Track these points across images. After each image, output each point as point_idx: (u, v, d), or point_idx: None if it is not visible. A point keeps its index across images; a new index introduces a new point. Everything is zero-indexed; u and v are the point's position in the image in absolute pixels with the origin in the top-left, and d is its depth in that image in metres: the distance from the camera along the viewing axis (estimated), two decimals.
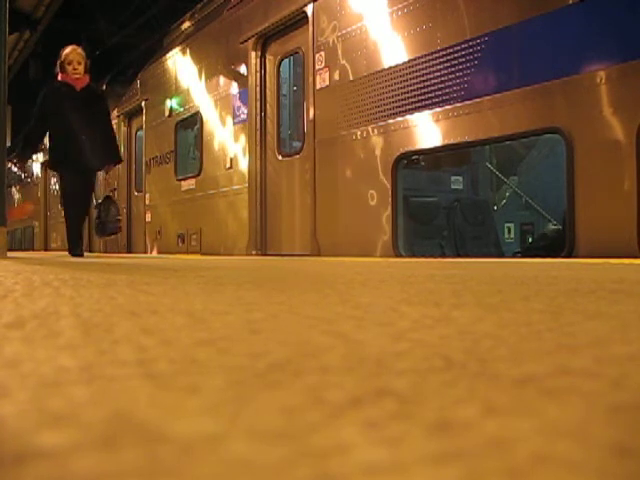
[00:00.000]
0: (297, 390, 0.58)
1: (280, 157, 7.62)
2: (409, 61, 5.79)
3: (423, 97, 5.64)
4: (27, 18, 13.23)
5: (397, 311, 1.26)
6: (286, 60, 7.91)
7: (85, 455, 0.41)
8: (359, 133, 6.28)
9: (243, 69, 8.10)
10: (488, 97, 5.10)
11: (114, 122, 12.95)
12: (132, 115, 11.92)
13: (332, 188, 6.60)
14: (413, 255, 5.96)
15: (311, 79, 6.83)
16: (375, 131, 6.12)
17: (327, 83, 6.64)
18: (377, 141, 6.11)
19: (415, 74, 5.73)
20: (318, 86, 6.73)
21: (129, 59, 13.59)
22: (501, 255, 7.69)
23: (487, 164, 9.23)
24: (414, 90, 5.71)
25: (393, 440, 0.44)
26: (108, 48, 15.82)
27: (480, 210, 8.42)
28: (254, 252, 7.74)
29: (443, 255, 7.23)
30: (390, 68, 5.95)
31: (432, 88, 5.56)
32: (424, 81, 5.62)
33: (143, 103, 11.11)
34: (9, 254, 7.07)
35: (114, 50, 15.54)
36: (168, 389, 0.59)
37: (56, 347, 0.83)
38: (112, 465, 0.39)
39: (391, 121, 5.93)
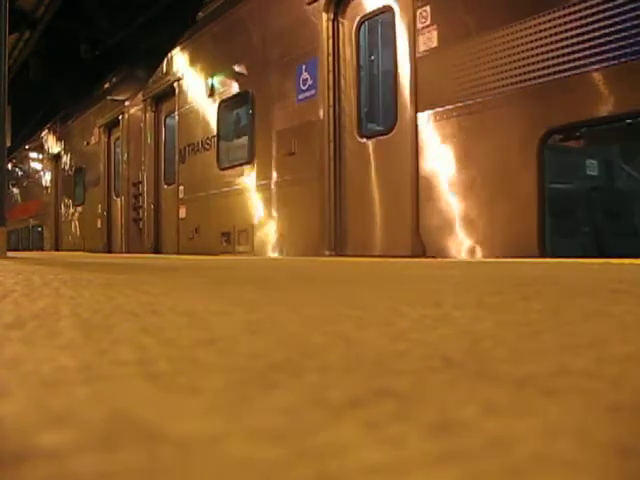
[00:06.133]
0: (297, 390, 0.58)
1: (362, 139, 6.29)
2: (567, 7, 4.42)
3: (588, 51, 4.36)
4: (27, 18, 13.22)
5: (397, 311, 1.26)
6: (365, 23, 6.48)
7: (85, 455, 0.41)
8: (486, 102, 4.97)
9: (310, 35, 6.82)
10: None
11: (138, 107, 11.24)
12: (160, 99, 10.46)
13: (443, 173, 5.34)
14: (560, 255, 4.78)
15: (409, 42, 5.62)
16: (512, 99, 4.79)
17: (435, 44, 5.40)
18: (514, 112, 4.80)
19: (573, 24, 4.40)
20: (421, 49, 5.50)
21: (129, 59, 13.47)
22: None
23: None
24: (575, 43, 4.41)
25: (393, 440, 0.43)
26: (108, 48, 15.82)
27: (620, 200, 6.86)
28: (327, 253, 6.48)
29: (585, 255, 5.70)
30: (537, 17, 4.62)
31: (604, 40, 4.27)
32: (588, 32, 4.34)
33: (175, 84, 9.66)
34: (9, 254, 7.07)
35: (114, 50, 15.54)
36: (168, 389, 0.59)
37: (56, 347, 0.83)
38: (112, 465, 0.39)
39: (539, 81, 4.57)
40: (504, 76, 4.82)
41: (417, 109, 5.53)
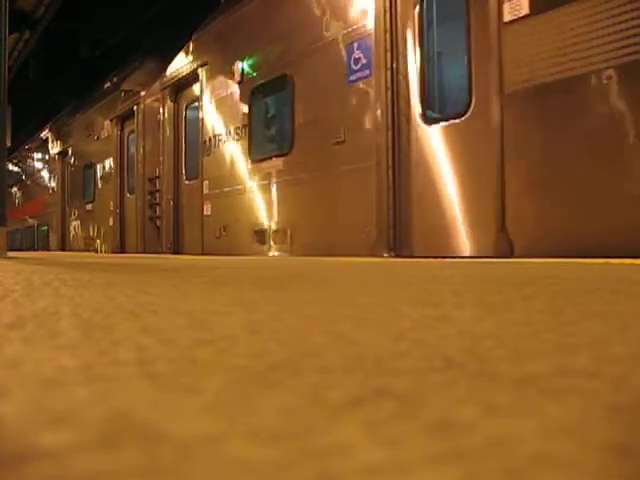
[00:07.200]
0: (297, 390, 0.58)
1: (427, 124, 5.54)
2: None
3: None
4: (27, 18, 13.22)
5: (397, 311, 1.26)
6: None
7: (85, 455, 0.41)
8: (596, 74, 4.18)
9: (361, 9, 6.13)
10: None
11: (154, 97, 10.34)
12: (180, 87, 9.68)
13: (540, 159, 4.55)
14: None
15: (491, 11, 4.90)
16: (633, 71, 4.00)
17: (526, 11, 4.65)
18: (635, 86, 4.02)
19: None
20: (508, 18, 4.76)
21: (130, 59, 13.38)
22: None
23: None
24: None
25: (393, 440, 0.44)
26: (108, 48, 15.83)
27: None
28: (385, 254, 5.74)
29: None
30: None
31: None
32: None
33: (200, 70, 8.87)
34: (10, 254, 7.08)
35: (114, 50, 15.56)
36: (168, 389, 0.59)
37: (56, 347, 0.83)
38: (112, 465, 0.39)
39: None
40: (622, 44, 4.09)
41: (502, 87, 4.77)
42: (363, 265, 3.86)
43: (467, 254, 5.04)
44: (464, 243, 5.18)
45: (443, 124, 5.39)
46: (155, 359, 0.74)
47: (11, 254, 7.47)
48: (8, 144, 7.62)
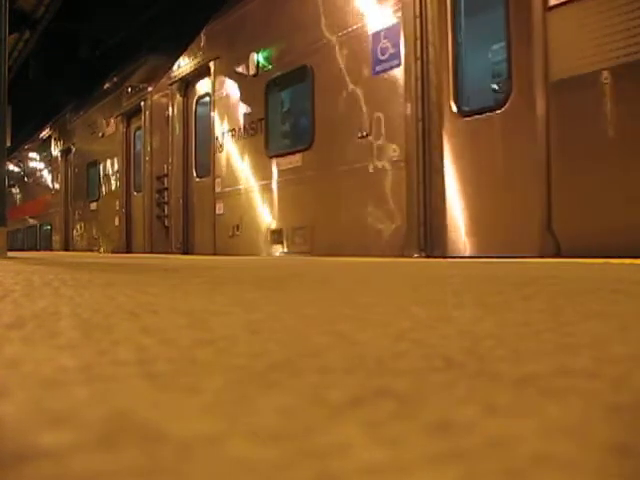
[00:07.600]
0: (297, 390, 0.58)
1: (461, 115, 5.19)
2: None
3: None
4: (27, 18, 13.20)
5: (397, 311, 1.26)
6: None
7: (85, 455, 0.41)
8: None
9: None
10: None
11: (162, 92, 10.07)
12: (190, 82, 9.43)
13: (590, 153, 4.24)
14: None
15: None
16: None
17: None
18: None
19: None
20: (554, 2, 4.45)
21: (136, 54, 13.27)
22: None
23: None
24: None
25: (393, 440, 0.44)
26: (108, 48, 15.82)
27: None
28: (416, 254, 5.40)
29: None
30: None
31: None
32: None
33: (211, 63, 8.60)
34: (10, 254, 7.07)
35: (114, 50, 15.54)
36: (168, 389, 0.59)
37: (56, 347, 0.83)
38: (112, 465, 0.39)
39: None
40: None
41: (547, 75, 4.45)
42: (364, 265, 3.86)
43: (507, 254, 4.68)
44: (504, 243, 4.83)
45: (479, 116, 5.06)
46: (155, 359, 0.74)
47: (11, 254, 7.47)
48: (8, 144, 7.61)
